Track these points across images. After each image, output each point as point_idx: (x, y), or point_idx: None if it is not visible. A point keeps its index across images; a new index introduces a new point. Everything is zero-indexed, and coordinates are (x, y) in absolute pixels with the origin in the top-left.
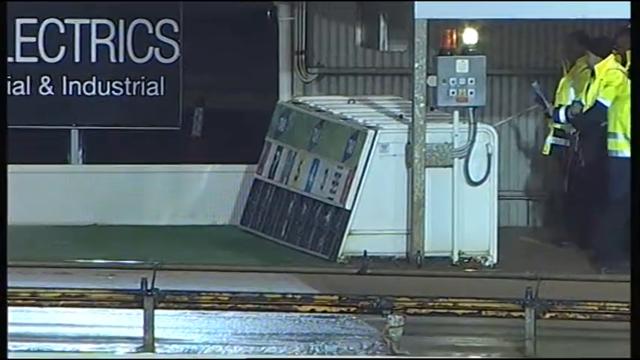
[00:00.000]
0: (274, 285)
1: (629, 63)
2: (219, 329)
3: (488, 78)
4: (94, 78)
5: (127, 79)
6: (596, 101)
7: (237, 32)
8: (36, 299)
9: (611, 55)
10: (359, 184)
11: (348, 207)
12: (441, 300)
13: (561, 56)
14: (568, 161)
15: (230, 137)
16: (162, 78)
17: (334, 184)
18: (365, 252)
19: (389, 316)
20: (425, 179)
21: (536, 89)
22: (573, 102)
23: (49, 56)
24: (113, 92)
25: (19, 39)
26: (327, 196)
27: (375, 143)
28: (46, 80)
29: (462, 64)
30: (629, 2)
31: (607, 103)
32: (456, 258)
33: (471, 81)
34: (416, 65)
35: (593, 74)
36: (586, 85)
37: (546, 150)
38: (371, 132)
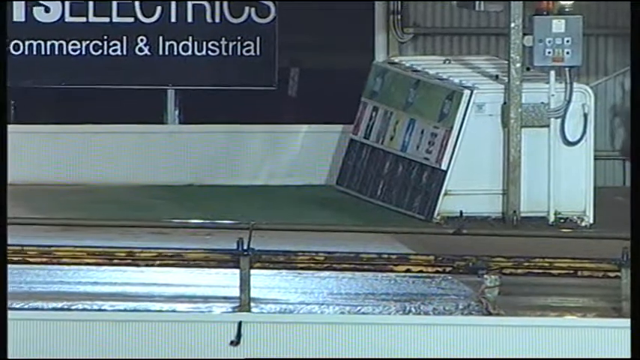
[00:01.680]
0: (370, 245)
1: None
2: (315, 289)
3: (584, 38)
4: (190, 38)
5: (223, 39)
6: None
7: None
8: (133, 259)
9: None
10: (455, 145)
11: (443, 167)
12: (537, 260)
13: None
14: None
15: (326, 97)
16: (258, 38)
17: (430, 145)
18: (461, 212)
19: (485, 276)
20: (521, 139)
21: None
22: None
23: (146, 16)
24: (209, 52)
25: None
26: (423, 156)
27: (470, 103)
28: (142, 40)
29: (558, 24)
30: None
31: None
32: (552, 218)
33: (567, 41)
34: (512, 25)
35: None
36: None
37: None
38: (467, 92)
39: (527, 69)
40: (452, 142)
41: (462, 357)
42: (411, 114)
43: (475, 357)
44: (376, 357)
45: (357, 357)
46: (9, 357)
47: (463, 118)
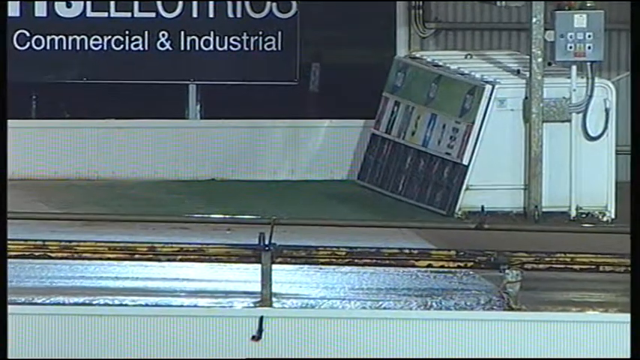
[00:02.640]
0: (391, 240)
1: None
2: (337, 284)
3: (606, 33)
4: (211, 33)
5: (245, 34)
6: None
7: None
8: (154, 254)
9: None
10: (476, 139)
11: (465, 162)
12: (558, 255)
13: None
14: None
15: (347, 92)
16: (279, 33)
17: (451, 139)
18: (482, 207)
19: (506, 271)
20: (542, 134)
21: None
22: None
23: (167, 11)
24: (231, 47)
25: None
26: (445, 151)
27: (492, 98)
28: (164, 35)
29: (580, 19)
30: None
31: None
32: (573, 213)
33: (589, 36)
34: (534, 20)
35: None
36: None
37: None
38: (488, 87)
39: (549, 64)
40: (473, 136)
41: (483, 352)
42: (433, 109)
43: (496, 354)
44: (397, 352)
45: (378, 352)
46: (21, 356)
47: (485, 113)
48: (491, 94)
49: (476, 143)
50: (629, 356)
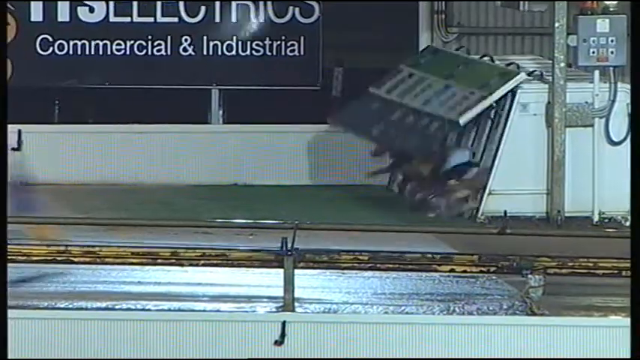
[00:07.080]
0: (414, 244)
1: None
2: (359, 289)
3: (628, 37)
4: (234, 38)
5: (267, 38)
6: None
7: None
8: (177, 258)
9: None
10: (499, 144)
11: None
12: (581, 260)
13: None
14: None
15: None
16: (302, 38)
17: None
18: (505, 212)
19: (529, 276)
20: (565, 139)
21: None
22: None
23: (190, 16)
24: (253, 52)
25: None
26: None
27: (515, 103)
28: (186, 40)
29: (602, 24)
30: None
31: None
32: (596, 218)
33: (612, 40)
34: (556, 25)
35: None
36: None
37: None
38: (522, 74)
39: (569, 65)
40: (496, 141)
41: (506, 357)
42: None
43: (519, 357)
44: (420, 356)
45: (400, 357)
46: (27, 357)
47: (507, 118)
48: (513, 99)
49: (498, 148)
50: None
